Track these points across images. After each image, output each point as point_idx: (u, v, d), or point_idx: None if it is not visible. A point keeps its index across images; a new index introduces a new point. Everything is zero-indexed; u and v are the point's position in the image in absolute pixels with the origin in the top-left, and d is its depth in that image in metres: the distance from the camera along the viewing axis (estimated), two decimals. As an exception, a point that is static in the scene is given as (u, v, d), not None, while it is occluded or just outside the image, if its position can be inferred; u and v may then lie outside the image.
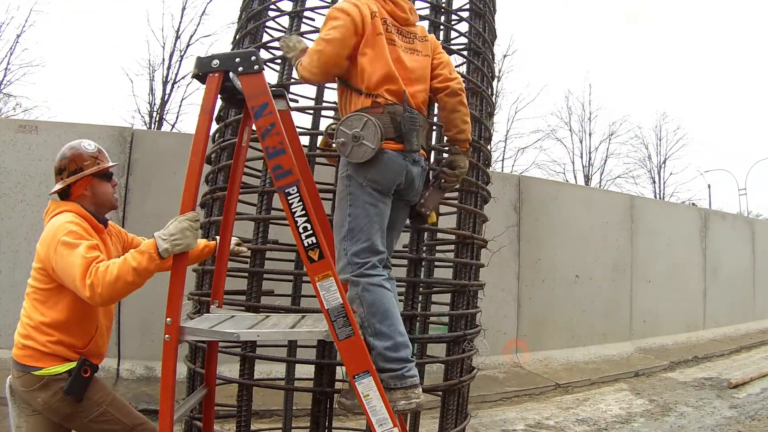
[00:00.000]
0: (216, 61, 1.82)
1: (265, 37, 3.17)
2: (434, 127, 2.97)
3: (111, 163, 2.26)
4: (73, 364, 2.01)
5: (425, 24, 2.99)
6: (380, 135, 1.85)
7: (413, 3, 2.26)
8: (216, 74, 1.82)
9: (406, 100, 1.93)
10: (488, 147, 3.29)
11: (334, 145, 1.94)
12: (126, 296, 1.92)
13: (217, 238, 2.50)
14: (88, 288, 1.83)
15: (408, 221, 2.26)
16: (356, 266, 1.89)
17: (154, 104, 17.39)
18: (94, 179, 2.20)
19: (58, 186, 2.16)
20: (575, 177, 23.08)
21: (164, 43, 17.83)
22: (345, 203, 1.95)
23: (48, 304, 2.03)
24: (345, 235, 1.93)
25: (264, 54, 3.17)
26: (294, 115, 2.38)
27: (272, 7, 3.13)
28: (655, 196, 22.98)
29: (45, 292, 2.03)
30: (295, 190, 1.74)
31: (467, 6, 3.26)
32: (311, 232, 1.74)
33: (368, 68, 1.93)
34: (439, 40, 2.96)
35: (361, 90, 1.95)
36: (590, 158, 23.41)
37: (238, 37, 3.23)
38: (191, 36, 17.66)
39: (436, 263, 3.25)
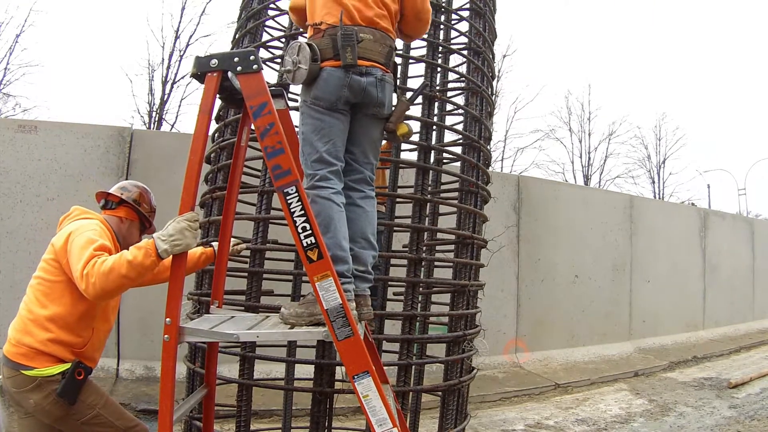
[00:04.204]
0: (215, 61, 1.81)
1: (265, 36, 3.17)
2: (434, 127, 2.97)
3: (153, 226, 2.43)
4: (67, 366, 2.01)
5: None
6: (313, 56, 1.97)
7: None
8: (215, 74, 1.81)
9: (342, 19, 2.01)
10: (488, 147, 3.28)
11: (283, 76, 2.08)
12: (120, 291, 1.91)
13: (214, 244, 2.52)
14: (84, 278, 1.84)
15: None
16: (309, 178, 2.00)
17: (154, 104, 17.38)
18: (137, 221, 2.36)
19: (118, 194, 2.34)
20: (575, 177, 23.09)
21: (164, 43, 17.87)
22: (299, 124, 2.11)
23: (51, 297, 2.04)
24: (301, 152, 2.05)
25: (263, 53, 3.17)
26: (293, 114, 2.38)
27: (272, 6, 3.13)
28: (655, 196, 22.97)
29: (52, 284, 2.05)
30: (294, 189, 1.74)
31: (467, 5, 3.26)
32: (310, 232, 1.74)
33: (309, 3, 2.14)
34: (439, 39, 2.97)
35: (309, 24, 2.12)
36: (589, 158, 23.42)
37: (237, 36, 3.23)
38: (191, 36, 17.66)
39: (436, 263, 3.25)
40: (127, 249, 1.94)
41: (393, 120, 2.11)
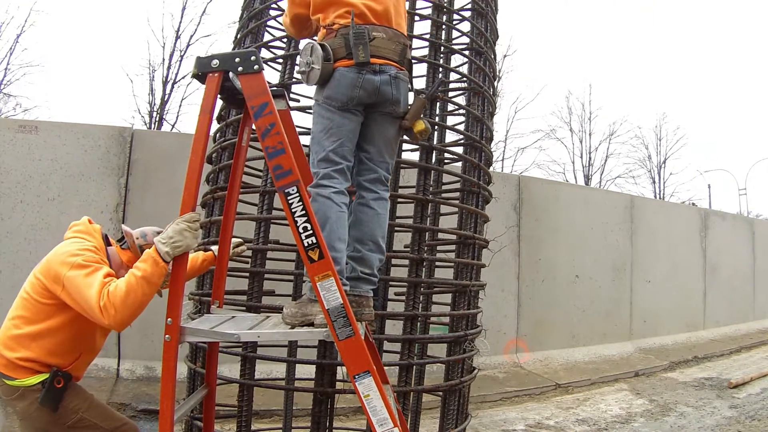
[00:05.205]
0: (216, 61, 1.81)
1: (267, 37, 3.17)
2: (436, 127, 2.96)
3: None
4: (46, 375, 2.01)
5: (427, 23, 2.99)
6: (326, 55, 1.97)
7: None
8: (216, 74, 1.81)
9: (353, 18, 2.02)
10: (489, 147, 3.28)
11: (298, 76, 2.09)
12: (142, 310, 1.86)
13: (213, 247, 2.51)
14: (103, 311, 1.80)
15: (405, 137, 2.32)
16: (315, 176, 2.01)
17: (154, 104, 17.33)
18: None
19: (134, 237, 2.20)
20: (575, 177, 23.07)
21: (164, 43, 17.79)
22: (312, 124, 2.12)
23: (38, 318, 2.01)
24: (311, 150, 2.07)
25: (265, 53, 3.17)
26: (295, 114, 2.38)
27: (274, 6, 3.13)
28: (655, 196, 22.95)
29: (40, 305, 2.01)
30: (295, 190, 1.74)
31: (469, 5, 3.26)
32: (311, 232, 1.74)
33: (317, 2, 2.10)
34: (441, 39, 2.97)
35: (321, 26, 2.11)
36: (590, 158, 23.38)
37: (239, 36, 3.23)
38: (191, 36, 17.59)
39: (438, 263, 3.25)
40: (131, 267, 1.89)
41: (409, 117, 2.09)
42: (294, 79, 2.75)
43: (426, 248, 2.98)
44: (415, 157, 2.99)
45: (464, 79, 3.21)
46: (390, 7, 2.10)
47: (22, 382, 1.99)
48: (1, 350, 2.01)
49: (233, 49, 3.20)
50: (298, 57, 2.07)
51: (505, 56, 19.74)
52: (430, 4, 2.96)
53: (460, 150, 3.17)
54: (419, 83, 2.92)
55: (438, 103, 3.14)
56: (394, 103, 2.07)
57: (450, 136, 3.57)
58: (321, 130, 2.03)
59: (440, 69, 3.10)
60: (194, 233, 1.81)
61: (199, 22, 17.67)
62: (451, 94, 3.49)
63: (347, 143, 2.03)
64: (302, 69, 2.02)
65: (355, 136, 2.07)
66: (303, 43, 2.50)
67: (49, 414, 2.01)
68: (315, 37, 2.20)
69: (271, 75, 3.02)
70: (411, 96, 2.20)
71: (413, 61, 3.05)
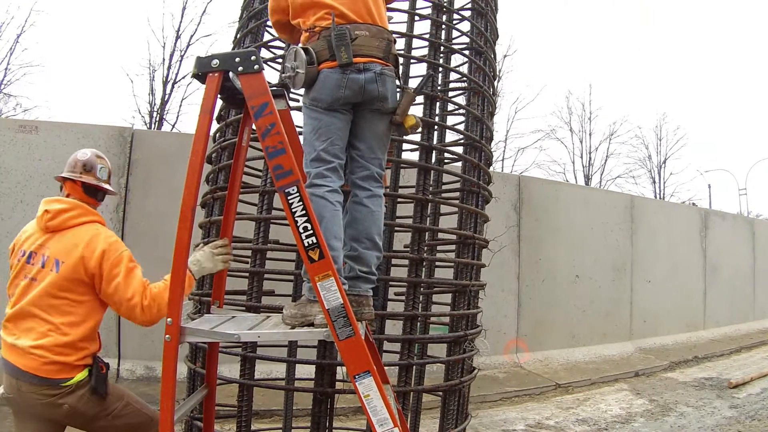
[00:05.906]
0: (216, 61, 1.81)
1: (267, 36, 3.17)
2: (436, 127, 2.96)
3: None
4: (90, 365, 2.05)
5: (427, 23, 2.99)
6: (309, 59, 1.99)
7: None
8: (216, 74, 1.81)
9: (334, 19, 2.03)
10: (489, 147, 3.28)
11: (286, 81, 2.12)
12: None
13: None
14: (145, 309, 1.98)
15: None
16: (309, 176, 2.02)
17: (154, 104, 17.35)
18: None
19: (107, 186, 2.25)
20: (575, 177, 23.07)
21: (164, 43, 17.80)
22: (303, 126, 2.15)
23: (85, 317, 2.04)
24: (303, 151, 2.09)
25: (265, 53, 3.17)
26: (295, 114, 2.38)
27: (273, 6, 3.12)
28: (655, 196, 22.95)
29: (79, 303, 2.03)
30: (296, 190, 1.74)
31: (469, 5, 3.26)
32: (311, 232, 1.74)
33: (296, 6, 2.13)
34: (441, 39, 2.97)
35: (302, 29, 2.14)
36: (590, 158, 23.39)
37: (239, 35, 3.23)
38: (191, 36, 17.60)
39: (437, 263, 3.25)
40: None
41: (399, 112, 2.09)
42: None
43: (426, 248, 2.98)
44: (415, 157, 2.99)
45: (464, 78, 3.21)
46: (370, 4, 2.10)
47: (76, 377, 1.99)
48: (55, 359, 1.96)
49: (233, 48, 3.20)
50: (284, 61, 2.09)
51: (505, 56, 19.74)
52: (430, 4, 2.96)
53: (460, 150, 3.16)
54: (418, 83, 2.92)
55: (438, 103, 3.14)
56: (382, 100, 2.07)
57: (450, 136, 3.57)
58: (311, 131, 2.04)
59: (440, 68, 3.10)
60: (220, 258, 2.07)
61: (199, 22, 17.71)
62: (451, 94, 3.49)
63: (338, 141, 2.04)
64: (288, 74, 2.04)
65: (346, 135, 2.08)
66: None
67: (96, 404, 2.01)
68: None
69: (271, 75, 3.02)
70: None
71: (412, 61, 3.06)
